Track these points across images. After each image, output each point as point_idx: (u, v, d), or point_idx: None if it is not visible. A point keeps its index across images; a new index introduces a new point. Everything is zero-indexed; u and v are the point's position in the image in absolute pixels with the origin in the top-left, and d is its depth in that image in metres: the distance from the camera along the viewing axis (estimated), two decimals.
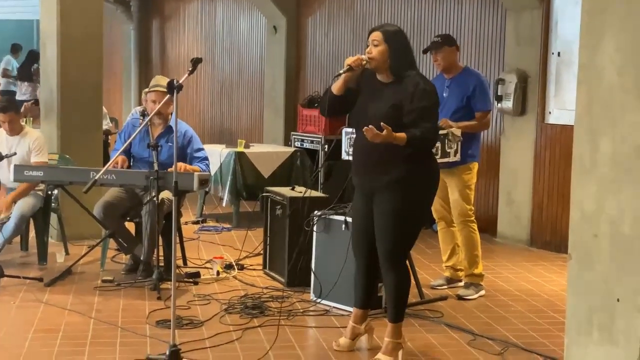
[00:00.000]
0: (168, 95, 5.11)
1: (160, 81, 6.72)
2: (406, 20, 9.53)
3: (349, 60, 4.74)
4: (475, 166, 6.31)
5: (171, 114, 6.65)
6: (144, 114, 6.61)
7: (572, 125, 3.44)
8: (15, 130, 6.95)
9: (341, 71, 4.76)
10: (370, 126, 4.51)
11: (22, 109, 9.91)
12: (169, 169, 6.19)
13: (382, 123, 4.51)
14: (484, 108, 6.29)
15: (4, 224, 6.60)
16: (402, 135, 4.57)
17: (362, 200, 4.87)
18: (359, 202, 4.93)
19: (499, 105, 8.14)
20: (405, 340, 4.95)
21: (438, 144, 5.86)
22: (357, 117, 4.82)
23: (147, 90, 6.73)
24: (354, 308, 5.07)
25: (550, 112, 7.99)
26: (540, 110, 8.04)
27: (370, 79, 4.81)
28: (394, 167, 4.67)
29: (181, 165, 6.24)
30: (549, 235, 8.01)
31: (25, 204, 6.72)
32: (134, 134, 5.68)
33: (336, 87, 4.79)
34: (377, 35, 4.75)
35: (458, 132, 6.00)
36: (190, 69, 4.88)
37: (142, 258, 6.50)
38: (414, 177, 4.71)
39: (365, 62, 4.73)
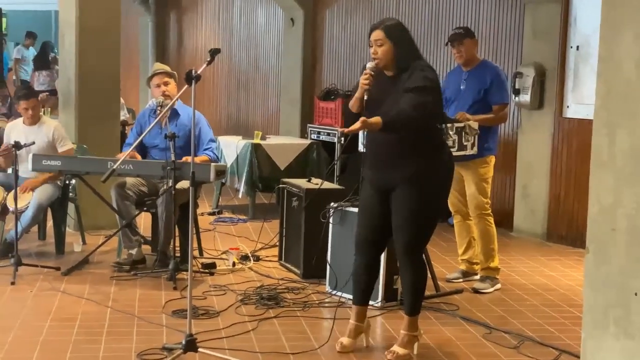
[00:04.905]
0: (186, 86, 5.09)
1: (161, 65, 6.78)
2: (424, 12, 9.51)
3: (364, 81, 4.66)
4: (492, 159, 6.30)
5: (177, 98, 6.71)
6: (161, 104, 6.60)
7: (590, 120, 3.43)
8: (35, 119, 7.02)
9: (365, 97, 4.69)
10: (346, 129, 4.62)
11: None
12: (185, 158, 6.19)
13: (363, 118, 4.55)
14: (501, 101, 6.27)
15: (22, 213, 6.64)
16: (377, 119, 4.52)
17: (375, 197, 4.83)
18: (370, 198, 4.88)
19: (517, 98, 8.11)
20: (421, 332, 4.94)
21: (455, 137, 5.85)
22: (370, 112, 4.79)
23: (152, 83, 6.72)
24: (355, 306, 4.99)
25: (568, 106, 7.96)
26: (557, 104, 8.01)
27: (379, 74, 4.77)
28: (410, 161, 4.66)
29: (187, 159, 6.13)
30: (565, 229, 7.98)
31: (43, 194, 6.76)
32: (148, 129, 5.56)
33: (355, 107, 4.74)
34: (379, 35, 4.70)
35: (475, 125, 5.98)
36: (208, 59, 4.86)
37: (157, 248, 6.55)
38: (430, 171, 4.71)
39: (374, 72, 4.68)
